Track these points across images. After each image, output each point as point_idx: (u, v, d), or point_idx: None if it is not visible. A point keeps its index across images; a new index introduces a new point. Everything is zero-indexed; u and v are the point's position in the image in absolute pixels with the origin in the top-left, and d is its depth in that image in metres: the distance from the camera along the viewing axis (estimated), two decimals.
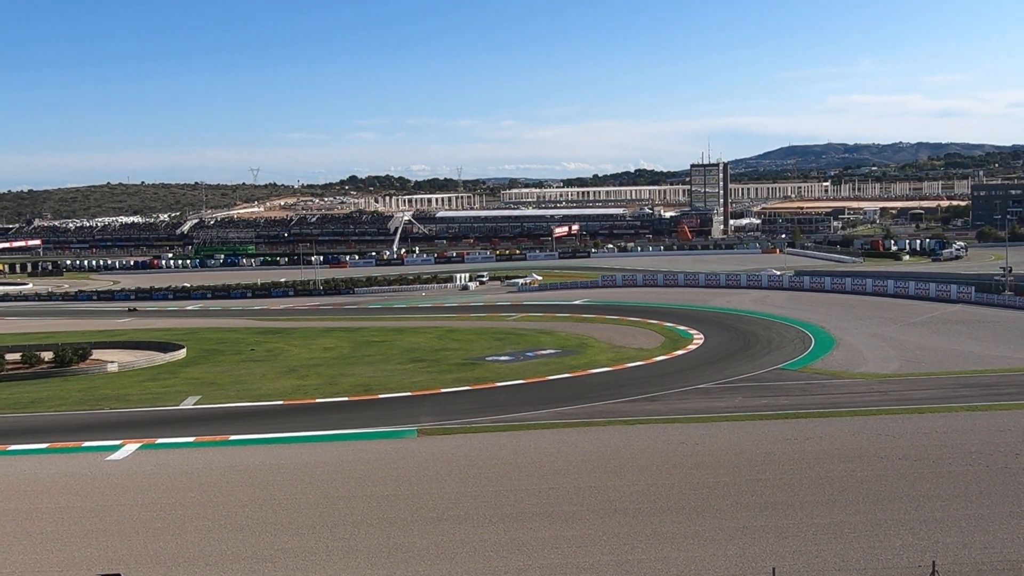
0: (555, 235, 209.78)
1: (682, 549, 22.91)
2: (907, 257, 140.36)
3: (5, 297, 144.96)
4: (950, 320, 67.99)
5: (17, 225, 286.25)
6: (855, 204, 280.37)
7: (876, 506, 25.79)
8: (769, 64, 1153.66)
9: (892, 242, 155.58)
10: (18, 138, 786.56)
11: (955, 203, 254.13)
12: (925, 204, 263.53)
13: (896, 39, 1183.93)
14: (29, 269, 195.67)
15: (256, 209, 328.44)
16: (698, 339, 63.90)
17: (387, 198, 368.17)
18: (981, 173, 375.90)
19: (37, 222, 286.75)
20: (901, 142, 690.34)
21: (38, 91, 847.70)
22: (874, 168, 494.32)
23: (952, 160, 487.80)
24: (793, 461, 31.16)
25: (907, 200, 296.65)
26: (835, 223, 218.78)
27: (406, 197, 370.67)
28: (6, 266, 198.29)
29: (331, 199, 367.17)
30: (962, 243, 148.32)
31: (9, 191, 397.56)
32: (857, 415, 38.49)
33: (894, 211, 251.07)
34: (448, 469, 32.42)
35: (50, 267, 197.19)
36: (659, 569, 21.78)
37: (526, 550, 23.19)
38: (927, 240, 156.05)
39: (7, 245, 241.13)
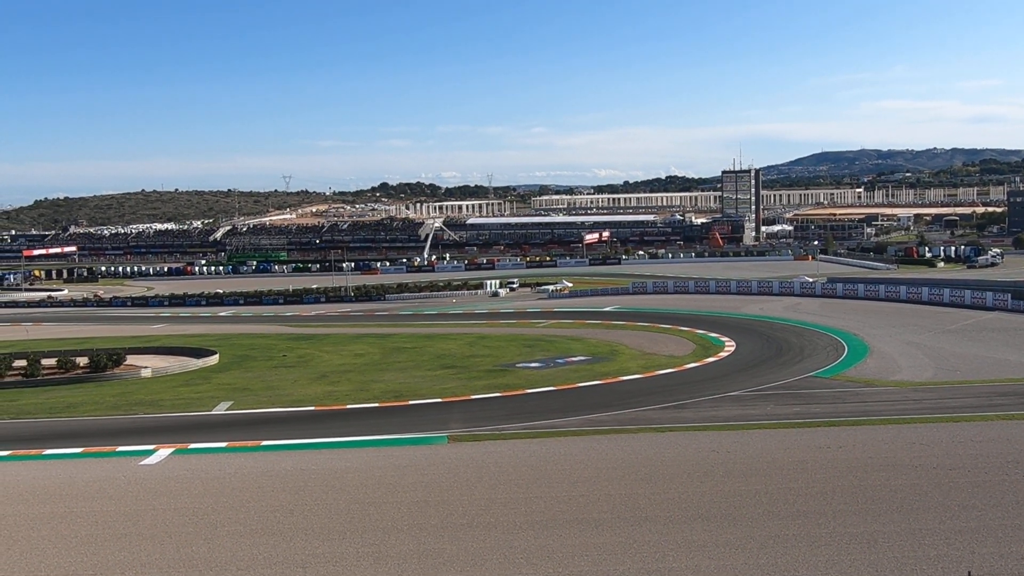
0: (585, 242, 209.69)
1: (713, 557, 22.76)
2: (942, 264, 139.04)
3: (41, 303, 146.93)
4: (986, 328, 67.13)
5: (53, 232, 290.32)
6: (889, 211, 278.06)
7: (910, 516, 25.49)
8: (801, 70, 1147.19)
9: (926, 249, 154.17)
10: (54, 146, 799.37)
11: (991, 209, 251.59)
12: (960, 211, 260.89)
13: (930, 44, 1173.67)
14: (65, 275, 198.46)
15: (288, 216, 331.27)
16: (730, 346, 63.52)
17: (418, 205, 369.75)
18: (1018, 179, 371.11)
19: (73, 229, 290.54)
20: (936, 148, 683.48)
21: (73, 99, 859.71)
22: (908, 174, 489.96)
23: (988, 166, 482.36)
24: (826, 469, 30.85)
25: (942, 206, 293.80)
26: (868, 230, 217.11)
27: (437, 204, 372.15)
28: (42, 272, 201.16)
29: (362, 206, 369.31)
30: (998, 250, 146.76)
31: (45, 198, 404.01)
32: (891, 423, 38.06)
33: (928, 217, 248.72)
34: (478, 475, 32.41)
35: (85, 273, 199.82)
36: None
37: (556, 557, 23.14)
38: (962, 247, 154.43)
39: (43, 252, 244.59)
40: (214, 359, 67.74)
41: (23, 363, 63.82)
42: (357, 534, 25.68)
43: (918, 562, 21.91)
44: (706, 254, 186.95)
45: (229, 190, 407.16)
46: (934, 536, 23.69)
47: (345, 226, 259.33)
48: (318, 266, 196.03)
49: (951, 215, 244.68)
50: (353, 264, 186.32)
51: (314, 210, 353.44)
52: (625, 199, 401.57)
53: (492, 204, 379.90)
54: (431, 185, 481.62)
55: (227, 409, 49.46)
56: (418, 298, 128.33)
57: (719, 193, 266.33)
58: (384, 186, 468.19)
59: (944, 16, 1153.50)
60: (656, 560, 22.73)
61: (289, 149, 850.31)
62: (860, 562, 22.03)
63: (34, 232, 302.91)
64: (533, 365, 59.57)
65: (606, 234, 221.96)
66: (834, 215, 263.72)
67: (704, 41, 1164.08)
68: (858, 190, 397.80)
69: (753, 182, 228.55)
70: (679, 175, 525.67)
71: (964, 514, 25.45)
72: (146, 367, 64.25)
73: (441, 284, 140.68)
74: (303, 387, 55.33)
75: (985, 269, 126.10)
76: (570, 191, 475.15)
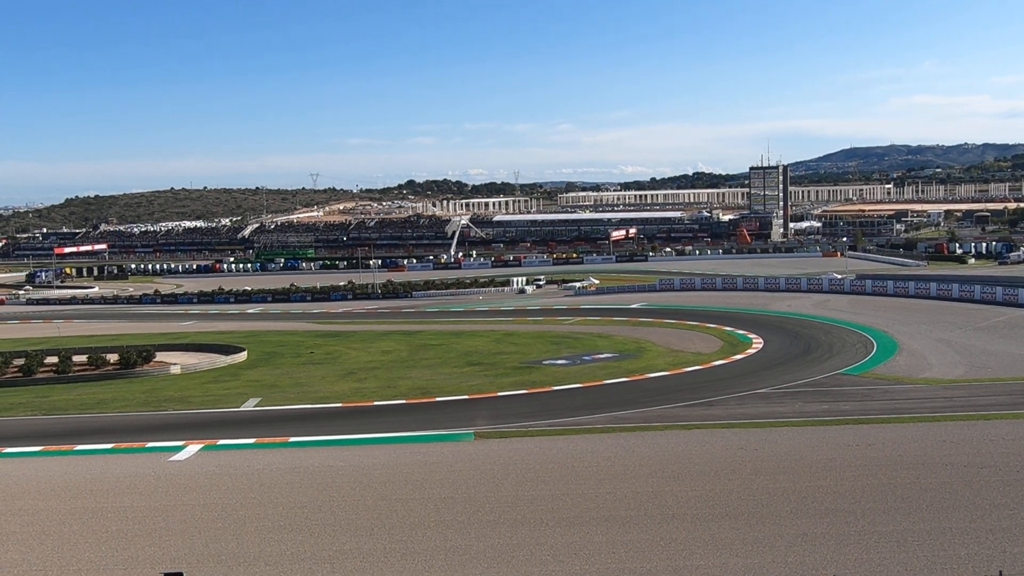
0: (612, 239, 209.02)
1: (741, 555, 22.64)
2: (972, 260, 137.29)
3: (72, 300, 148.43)
4: (1018, 325, 66.34)
5: (84, 230, 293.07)
6: (918, 206, 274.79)
7: (940, 514, 25.25)
8: (829, 65, 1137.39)
9: (957, 245, 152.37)
10: (84, 146, 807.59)
11: (1023, 205, 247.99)
12: (991, 206, 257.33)
13: (960, 39, 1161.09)
14: (95, 273, 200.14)
15: (315, 213, 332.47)
16: (757, 343, 63.17)
17: (444, 202, 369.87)
18: None
19: (103, 227, 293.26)
20: (966, 143, 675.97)
21: (103, 98, 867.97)
22: (938, 170, 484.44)
23: (1020, 161, 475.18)
24: (854, 467, 30.62)
25: (972, 202, 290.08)
26: (898, 226, 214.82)
27: (463, 201, 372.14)
28: (73, 270, 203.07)
29: (389, 203, 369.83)
30: None
31: (76, 197, 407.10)
32: (921, 421, 37.73)
33: (959, 213, 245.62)
34: (505, 472, 32.45)
35: (115, 271, 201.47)
36: (717, 575, 21.54)
37: (583, 554, 23.11)
38: (993, 243, 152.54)
39: (75, 249, 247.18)
40: (243, 356, 68.19)
41: (55, 360, 64.59)
42: (384, 530, 25.77)
43: (948, 561, 21.70)
44: (734, 251, 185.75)
45: (257, 188, 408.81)
46: (965, 535, 23.45)
47: (372, 223, 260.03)
48: (345, 263, 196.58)
49: (982, 211, 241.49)
50: (380, 261, 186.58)
51: (341, 208, 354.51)
52: (652, 196, 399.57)
53: (519, 201, 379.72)
54: (458, 182, 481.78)
55: (255, 406, 49.82)
56: (445, 295, 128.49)
57: (747, 190, 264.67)
58: (411, 183, 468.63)
59: (974, 11, 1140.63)
60: (683, 558, 22.65)
61: (316, 147, 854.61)
62: (890, 561, 21.84)
63: (65, 230, 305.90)
64: (560, 362, 59.54)
65: (633, 231, 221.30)
66: (863, 211, 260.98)
67: (732, 37, 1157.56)
68: (887, 186, 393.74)
69: (781, 178, 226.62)
70: (706, 171, 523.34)
71: (995, 513, 25.17)
72: (175, 364, 64.78)
73: (468, 281, 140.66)
74: (331, 384, 55.60)
75: (1017, 265, 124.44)
76: (597, 188, 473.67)
